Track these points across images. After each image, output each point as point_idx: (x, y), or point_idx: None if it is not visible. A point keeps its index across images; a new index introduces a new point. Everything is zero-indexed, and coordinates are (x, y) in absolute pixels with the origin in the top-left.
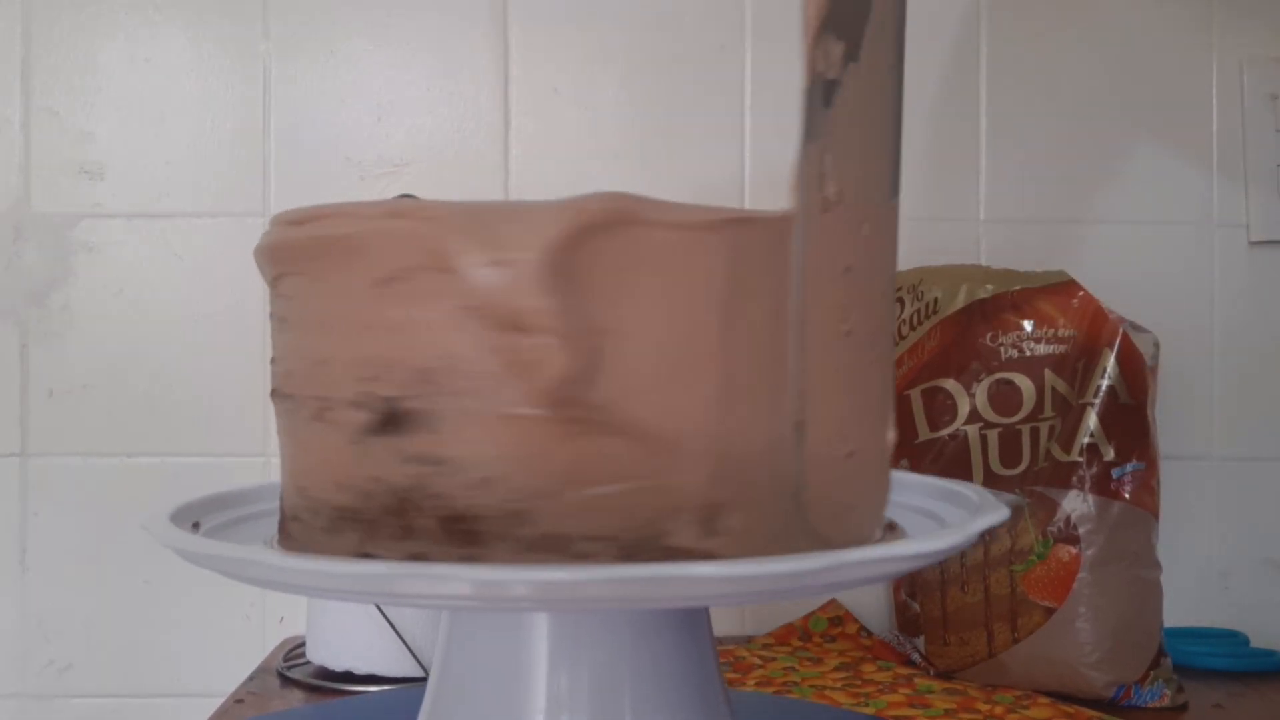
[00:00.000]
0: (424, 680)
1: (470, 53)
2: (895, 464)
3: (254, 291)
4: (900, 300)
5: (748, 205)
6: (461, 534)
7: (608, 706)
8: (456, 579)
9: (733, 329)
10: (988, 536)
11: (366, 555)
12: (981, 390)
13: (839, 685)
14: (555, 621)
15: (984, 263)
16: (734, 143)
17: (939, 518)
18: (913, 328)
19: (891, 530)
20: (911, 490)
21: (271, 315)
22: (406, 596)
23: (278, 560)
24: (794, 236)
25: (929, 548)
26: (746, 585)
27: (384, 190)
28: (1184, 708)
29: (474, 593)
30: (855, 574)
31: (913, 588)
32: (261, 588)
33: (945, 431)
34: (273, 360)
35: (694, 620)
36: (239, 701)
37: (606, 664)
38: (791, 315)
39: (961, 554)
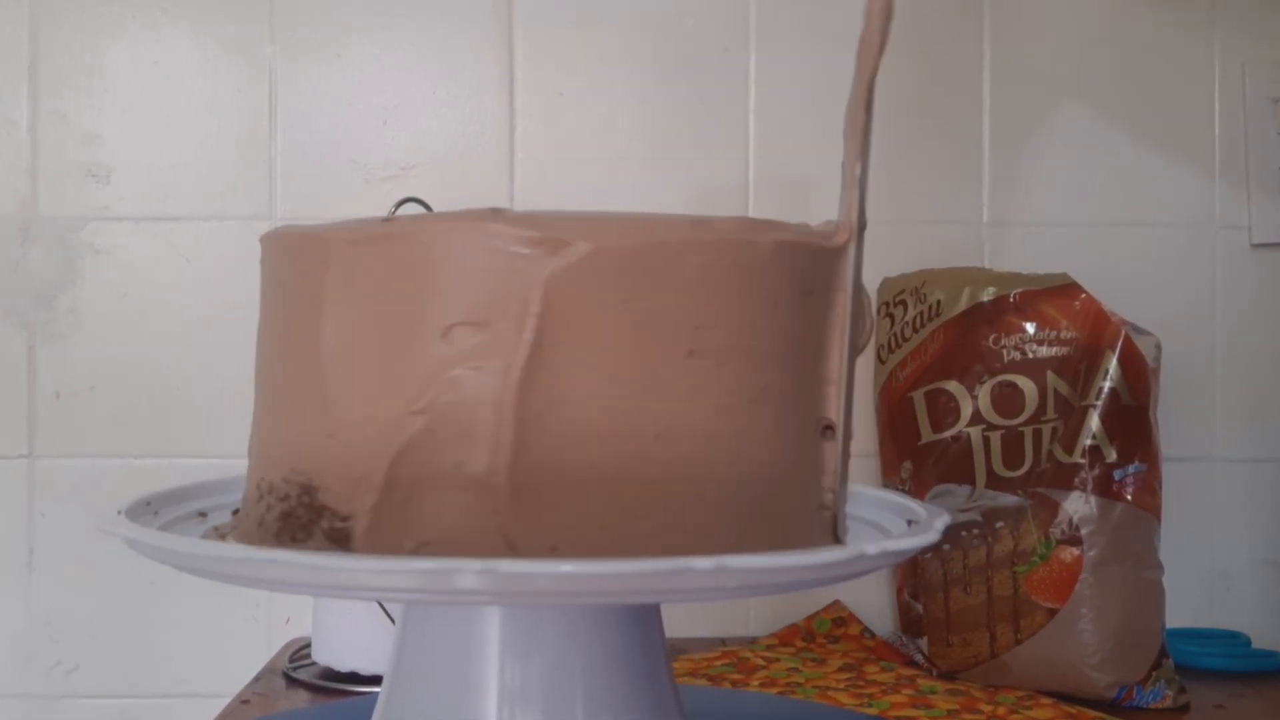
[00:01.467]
0: None
1: (475, 55)
2: (898, 466)
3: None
4: (903, 302)
5: (751, 208)
6: None
7: (559, 701)
8: (402, 572)
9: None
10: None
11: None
12: (984, 392)
13: (842, 686)
14: (507, 616)
15: (987, 265)
16: (738, 146)
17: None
18: (915, 330)
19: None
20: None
21: None
22: (354, 589)
23: (219, 550)
24: (849, 257)
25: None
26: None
27: (389, 193)
28: (1186, 708)
29: (420, 585)
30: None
31: (915, 589)
32: (213, 580)
33: (948, 433)
34: None
35: (643, 616)
36: (244, 702)
37: (558, 659)
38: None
39: (964, 555)
